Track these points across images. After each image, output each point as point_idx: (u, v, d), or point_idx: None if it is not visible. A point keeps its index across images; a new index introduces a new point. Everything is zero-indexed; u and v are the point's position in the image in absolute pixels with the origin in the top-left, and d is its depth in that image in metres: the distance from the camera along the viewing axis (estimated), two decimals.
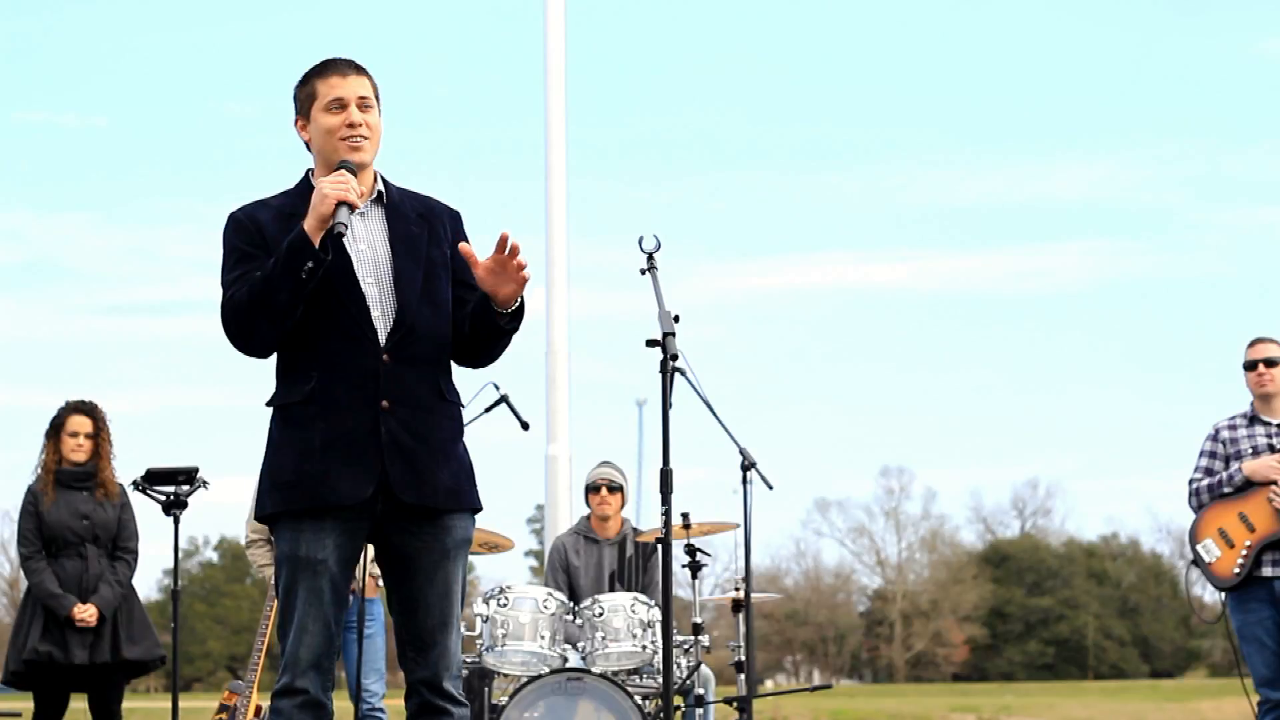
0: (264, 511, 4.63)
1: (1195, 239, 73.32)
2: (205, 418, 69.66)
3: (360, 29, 66.39)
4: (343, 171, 4.54)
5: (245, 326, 4.56)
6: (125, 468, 8.56)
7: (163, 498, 8.40)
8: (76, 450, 8.41)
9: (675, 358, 6.02)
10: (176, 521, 8.42)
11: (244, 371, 72.29)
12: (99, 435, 8.46)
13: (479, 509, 4.73)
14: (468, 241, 4.76)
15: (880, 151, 71.71)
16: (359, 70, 4.68)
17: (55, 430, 8.45)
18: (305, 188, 4.68)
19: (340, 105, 4.62)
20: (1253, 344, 7.86)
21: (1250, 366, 7.82)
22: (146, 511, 8.55)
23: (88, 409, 8.49)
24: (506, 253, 4.54)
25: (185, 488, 8.42)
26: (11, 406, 65.48)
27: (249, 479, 8.65)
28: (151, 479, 8.39)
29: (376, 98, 4.69)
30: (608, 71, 64.45)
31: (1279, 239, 70.50)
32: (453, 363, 4.78)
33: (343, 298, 4.57)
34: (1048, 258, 72.52)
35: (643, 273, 6.36)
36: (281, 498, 4.58)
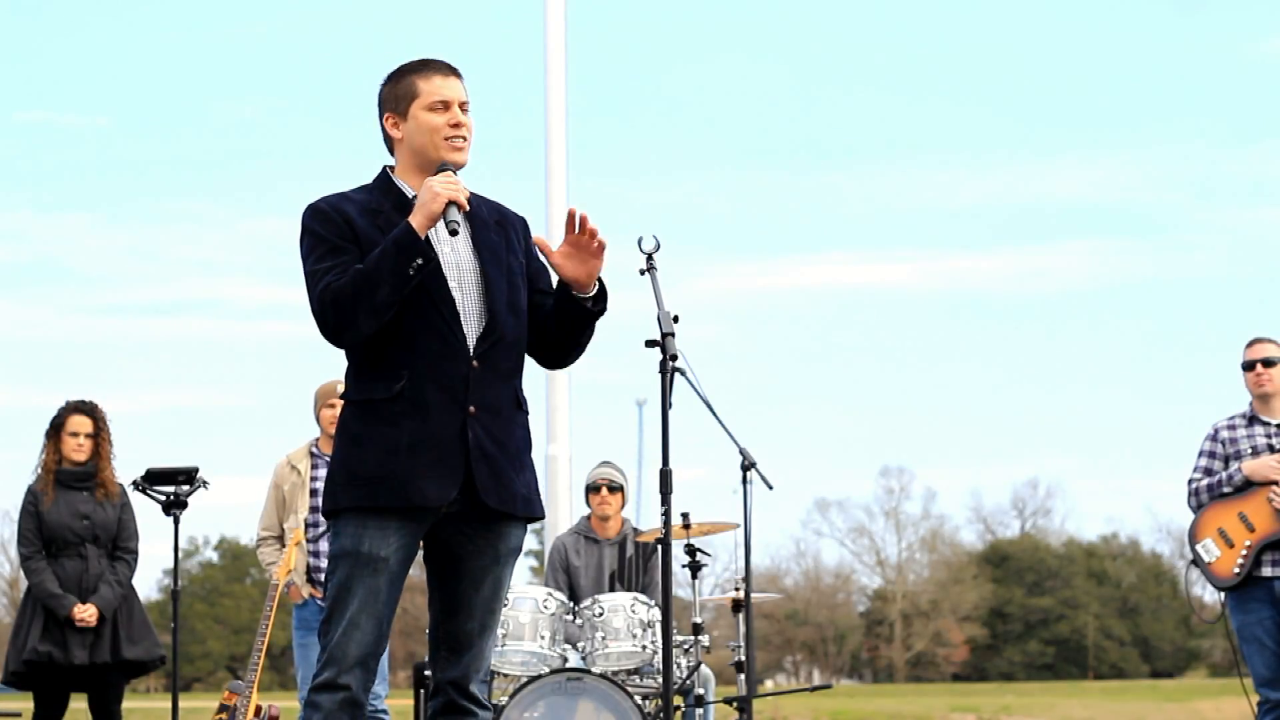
0: (338, 504, 4.58)
1: (1195, 239, 73.37)
2: (205, 418, 69.69)
3: (360, 29, 66.46)
4: (450, 171, 4.58)
5: (345, 318, 4.53)
6: (125, 468, 8.57)
7: (163, 498, 8.41)
8: (77, 450, 8.41)
9: (675, 358, 6.02)
10: (176, 521, 8.43)
11: (244, 372, 72.22)
12: (99, 435, 8.46)
13: (542, 516, 4.80)
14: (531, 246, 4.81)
15: (880, 152, 71.73)
16: (457, 73, 4.72)
17: (55, 430, 8.46)
18: (386, 184, 4.69)
19: (445, 105, 4.65)
20: (1251, 344, 7.86)
21: (1249, 367, 7.82)
22: (146, 511, 8.56)
23: (88, 409, 8.49)
24: (578, 230, 4.59)
25: (185, 488, 8.42)
26: (12, 406, 65.50)
27: (249, 479, 8.71)
28: (151, 479, 8.40)
29: (469, 100, 4.73)
30: (608, 71, 64.49)
31: (1279, 239, 70.52)
32: (540, 366, 4.86)
33: (435, 300, 4.58)
34: (1048, 258, 72.56)
35: (642, 273, 6.35)
36: (362, 494, 4.56)
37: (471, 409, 4.57)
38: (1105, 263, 72.02)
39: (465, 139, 4.67)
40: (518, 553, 4.74)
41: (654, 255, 6.35)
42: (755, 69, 70.65)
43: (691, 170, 71.51)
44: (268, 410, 68.11)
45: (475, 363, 4.58)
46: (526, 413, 4.75)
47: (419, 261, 4.48)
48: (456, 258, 4.64)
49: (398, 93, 4.68)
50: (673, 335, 6.04)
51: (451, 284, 4.61)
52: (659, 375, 6.01)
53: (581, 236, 4.60)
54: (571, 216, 4.60)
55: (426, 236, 4.50)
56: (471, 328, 4.61)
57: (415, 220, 4.49)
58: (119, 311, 72.21)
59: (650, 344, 6.04)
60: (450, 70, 4.70)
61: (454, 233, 4.50)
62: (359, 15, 67.70)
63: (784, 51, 70.29)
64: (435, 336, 4.57)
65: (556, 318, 4.72)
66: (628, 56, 69.15)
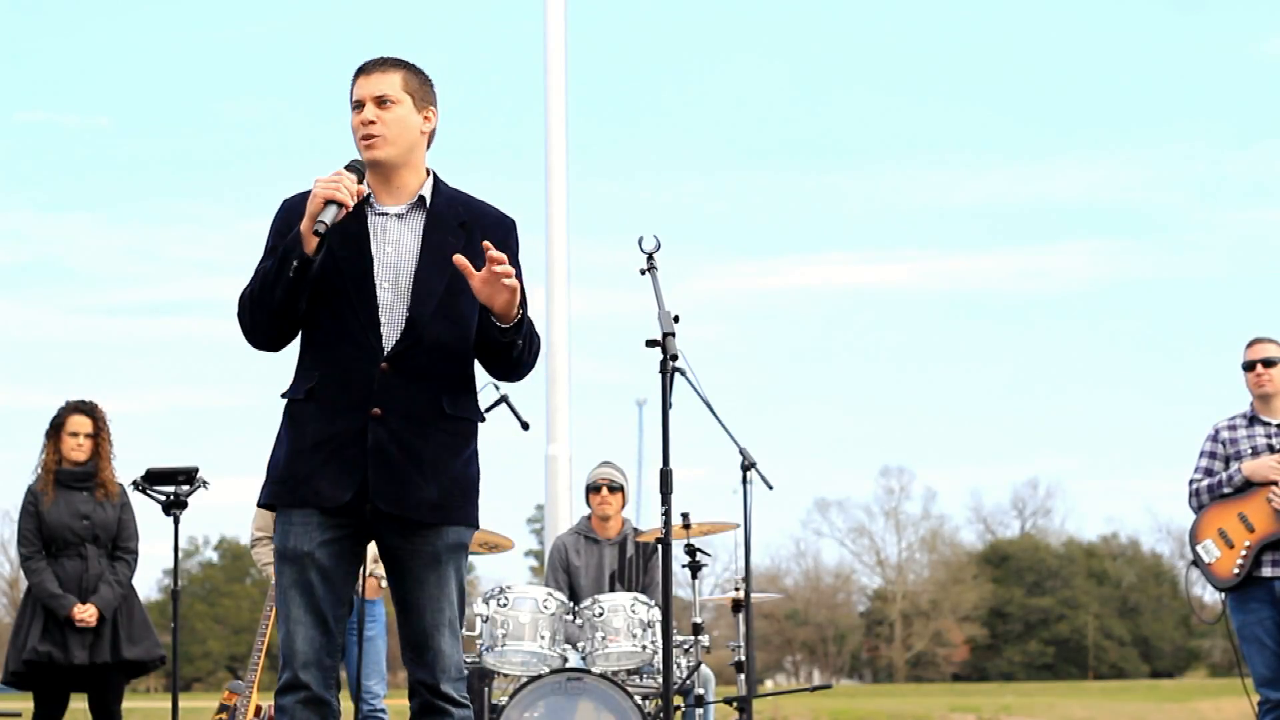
0: (259, 502, 4.66)
1: (1195, 239, 73.37)
2: (205, 418, 69.70)
3: (361, 29, 66.39)
4: (341, 170, 4.52)
5: (246, 320, 4.59)
6: (125, 468, 8.57)
7: (163, 498, 8.40)
8: (76, 450, 8.41)
9: (675, 358, 6.02)
10: (176, 521, 8.42)
11: (244, 372, 72.20)
12: (99, 435, 8.46)
13: (471, 525, 4.67)
14: (517, 253, 4.68)
15: (880, 152, 71.75)
16: (385, 66, 4.62)
17: (55, 430, 8.46)
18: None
19: (359, 105, 4.60)
20: (1251, 344, 7.86)
21: (1249, 367, 7.82)
22: (146, 511, 8.56)
23: (87, 409, 8.48)
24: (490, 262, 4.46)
25: (185, 488, 8.42)
26: (13, 406, 65.49)
27: (249, 479, 8.66)
28: (151, 479, 8.40)
29: (414, 93, 4.62)
30: (608, 71, 64.48)
31: (1279, 240, 70.50)
32: (486, 376, 4.75)
33: (354, 301, 4.54)
34: (1048, 258, 72.56)
35: (643, 273, 6.36)
36: (270, 492, 4.62)
37: (376, 411, 4.51)
38: (1105, 263, 72.06)
39: (377, 135, 4.57)
40: (460, 549, 4.63)
41: (654, 255, 6.36)
42: (755, 69, 70.68)
43: (692, 170, 71.54)
44: (268, 410, 67.56)
45: (385, 365, 4.52)
46: (460, 419, 4.63)
47: (295, 263, 4.45)
48: (398, 258, 4.59)
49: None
50: (673, 335, 6.04)
51: (385, 285, 4.56)
52: (659, 375, 6.01)
53: (495, 272, 4.44)
54: (484, 249, 4.46)
55: (318, 236, 4.42)
56: (394, 330, 4.55)
57: (303, 223, 4.45)
58: (119, 311, 72.25)
59: (650, 344, 6.04)
60: (373, 66, 4.62)
61: (317, 233, 4.41)
62: (360, 16, 67.69)
63: (784, 52, 70.32)
64: (349, 339, 4.54)
65: (479, 335, 4.63)
66: (628, 56, 69.18)
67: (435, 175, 4.71)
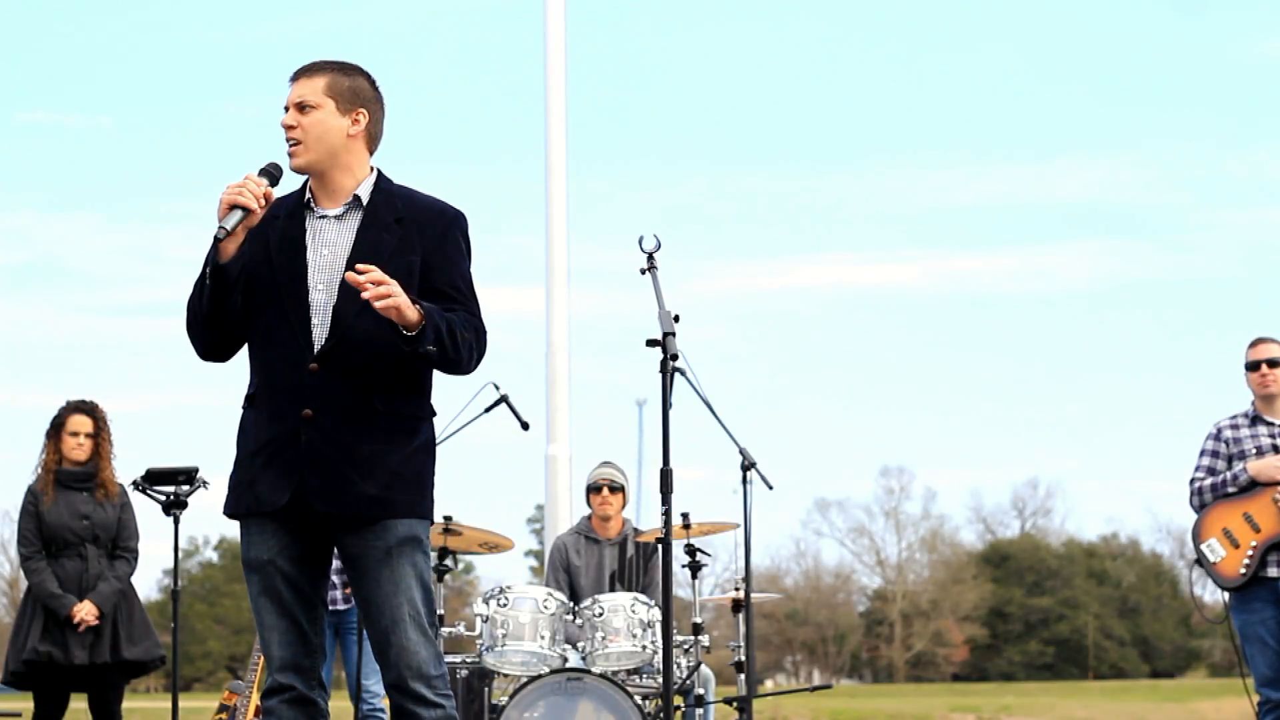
0: (223, 513, 4.69)
1: (1197, 240, 73.36)
2: (205, 418, 69.67)
3: (361, 29, 66.40)
4: (250, 174, 4.53)
5: (188, 332, 4.64)
6: (125, 468, 8.56)
7: (163, 498, 8.40)
8: (76, 450, 8.40)
9: (675, 358, 6.02)
10: (176, 521, 8.41)
11: (244, 372, 72.09)
12: (99, 435, 8.45)
13: (418, 516, 4.59)
14: (459, 245, 4.65)
15: (881, 152, 71.73)
16: (310, 71, 4.61)
17: (55, 430, 8.45)
18: (300, 192, 4.69)
19: (285, 110, 4.61)
20: (1254, 344, 7.84)
21: (1253, 367, 7.80)
22: (146, 511, 8.55)
23: (88, 409, 8.48)
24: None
25: (185, 488, 8.41)
26: (14, 407, 65.46)
27: None
28: (151, 479, 8.39)
29: (338, 96, 4.59)
30: (608, 71, 64.45)
31: None
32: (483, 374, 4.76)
33: (285, 304, 4.55)
34: (1049, 258, 72.55)
35: (643, 273, 6.35)
36: (226, 501, 4.66)
37: (308, 412, 4.51)
38: (1106, 263, 72.05)
39: (297, 141, 4.57)
40: (412, 542, 4.56)
41: (654, 255, 6.35)
42: (756, 69, 70.66)
43: (692, 170, 71.53)
44: None
45: (314, 365, 4.51)
46: (399, 414, 4.57)
47: (208, 269, 4.49)
48: (333, 260, 4.58)
49: None
50: (673, 335, 6.04)
51: (317, 288, 4.56)
52: (659, 375, 6.01)
53: (363, 293, 4.40)
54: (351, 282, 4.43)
55: (216, 241, 4.44)
56: (321, 330, 4.54)
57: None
58: (121, 311, 72.25)
59: (651, 344, 6.04)
60: (299, 72, 4.63)
61: (218, 238, 4.44)
62: (361, 16, 67.70)
63: (785, 51, 70.31)
64: (280, 342, 4.55)
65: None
66: (628, 56, 69.15)
67: (379, 174, 4.70)
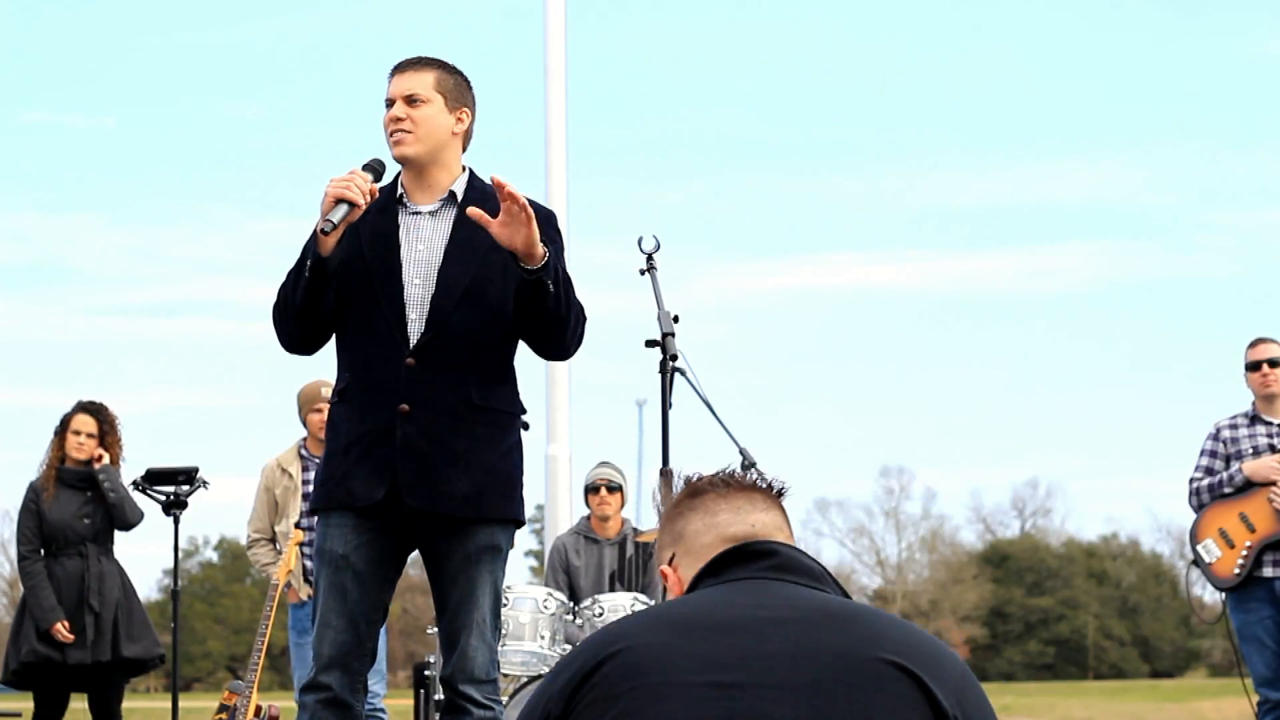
0: (311, 506, 4.71)
1: (1197, 240, 73.35)
2: (206, 418, 69.69)
3: (364, 30, 66.44)
4: (355, 169, 4.53)
5: (275, 323, 4.63)
6: (125, 468, 8.57)
7: (163, 498, 8.41)
8: (77, 449, 8.41)
9: (675, 358, 6.02)
10: (176, 521, 8.43)
11: (245, 372, 72.22)
12: (105, 436, 8.45)
13: (510, 519, 4.61)
14: (555, 241, 4.60)
15: (882, 152, 71.72)
16: (419, 65, 4.63)
17: (62, 428, 8.48)
18: (393, 183, 4.69)
19: (389, 103, 4.62)
20: (1254, 344, 7.85)
21: (1254, 367, 7.81)
22: (147, 512, 8.56)
23: (93, 409, 8.50)
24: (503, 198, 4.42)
25: (185, 488, 8.43)
26: (16, 407, 65.49)
27: (249, 479, 8.67)
28: (151, 479, 8.40)
29: (446, 93, 4.61)
30: (608, 71, 64.47)
31: None
32: (540, 358, 4.71)
33: (380, 299, 4.54)
34: (1050, 259, 72.54)
35: (642, 273, 6.35)
36: (315, 495, 4.66)
37: (404, 407, 4.50)
38: (1107, 264, 72.05)
39: (407, 132, 4.58)
40: (494, 550, 4.59)
41: (654, 255, 6.35)
42: (756, 68, 70.68)
43: (692, 170, 71.51)
44: (269, 410, 68.17)
45: (411, 360, 4.51)
46: (496, 411, 4.60)
47: (309, 263, 4.48)
48: (429, 255, 4.59)
49: None
50: (673, 335, 6.04)
51: (414, 283, 4.56)
52: (659, 375, 6.01)
53: (511, 205, 4.41)
54: (496, 186, 4.43)
55: (321, 234, 4.43)
56: (421, 324, 4.54)
57: (319, 222, 4.46)
58: (123, 312, 72.24)
59: (650, 344, 6.04)
60: (407, 65, 4.64)
61: (323, 231, 4.42)
62: (363, 16, 67.72)
63: (786, 51, 70.31)
64: (375, 336, 4.55)
65: (517, 296, 4.55)
66: (628, 56, 69.17)
67: (471, 172, 4.72)
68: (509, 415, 4.65)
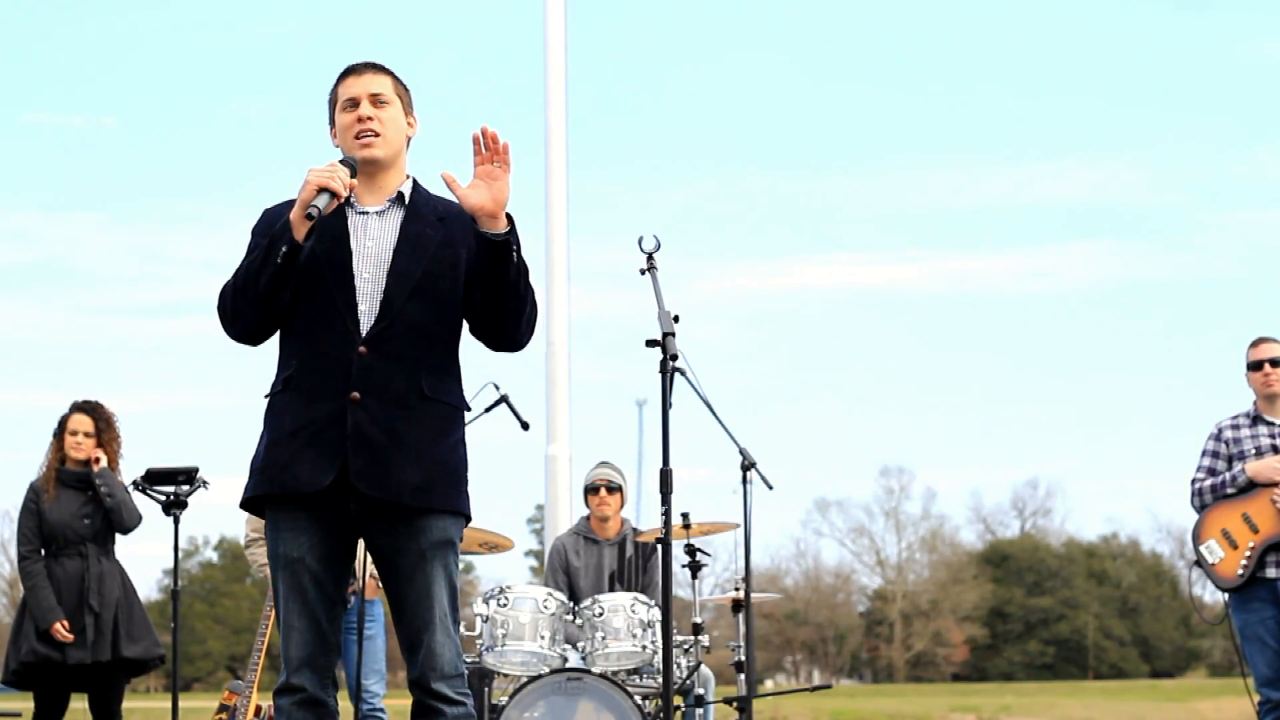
0: (243, 497, 4.65)
1: (1199, 240, 73.37)
2: (206, 418, 69.71)
3: (366, 31, 66.39)
4: (335, 162, 4.56)
5: (229, 310, 4.62)
6: (126, 467, 8.57)
7: (163, 498, 8.40)
8: (75, 449, 8.41)
9: (675, 358, 6.02)
10: (176, 521, 8.42)
11: (245, 372, 72.26)
12: (102, 435, 8.45)
13: (458, 512, 4.62)
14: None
15: (882, 153, 71.74)
16: (376, 69, 4.69)
17: (60, 429, 8.47)
18: None
19: (353, 103, 4.64)
20: (1256, 344, 7.84)
21: (1256, 366, 7.80)
22: (147, 512, 8.55)
23: (90, 408, 8.49)
24: (485, 148, 4.48)
25: (185, 488, 8.42)
26: (18, 407, 65.49)
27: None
28: (151, 479, 8.39)
29: (401, 97, 4.69)
30: (608, 71, 64.45)
31: None
32: (491, 349, 4.71)
33: (331, 289, 4.56)
34: (1051, 259, 72.56)
35: (642, 273, 6.36)
36: (252, 483, 4.62)
37: (355, 395, 4.50)
38: (1108, 264, 72.08)
39: (374, 133, 4.62)
40: (447, 545, 4.59)
41: (654, 255, 6.35)
42: (757, 68, 70.68)
43: (692, 170, 71.54)
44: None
45: (363, 349, 4.52)
46: (443, 403, 4.61)
47: (284, 249, 4.48)
48: (379, 250, 4.61)
49: (330, 104, 4.74)
50: (673, 335, 6.04)
51: (364, 275, 4.57)
52: (659, 375, 6.01)
53: (491, 156, 4.47)
54: (478, 138, 4.48)
55: (310, 219, 4.45)
56: (372, 315, 4.56)
57: (293, 211, 4.49)
58: (124, 312, 72.28)
59: (650, 344, 6.04)
60: (363, 68, 4.68)
61: (310, 218, 4.44)
62: (364, 16, 67.69)
63: (787, 51, 70.31)
64: (326, 325, 4.55)
65: (478, 271, 4.58)
66: (629, 56, 69.17)
67: (415, 180, 4.76)
68: (456, 409, 4.66)
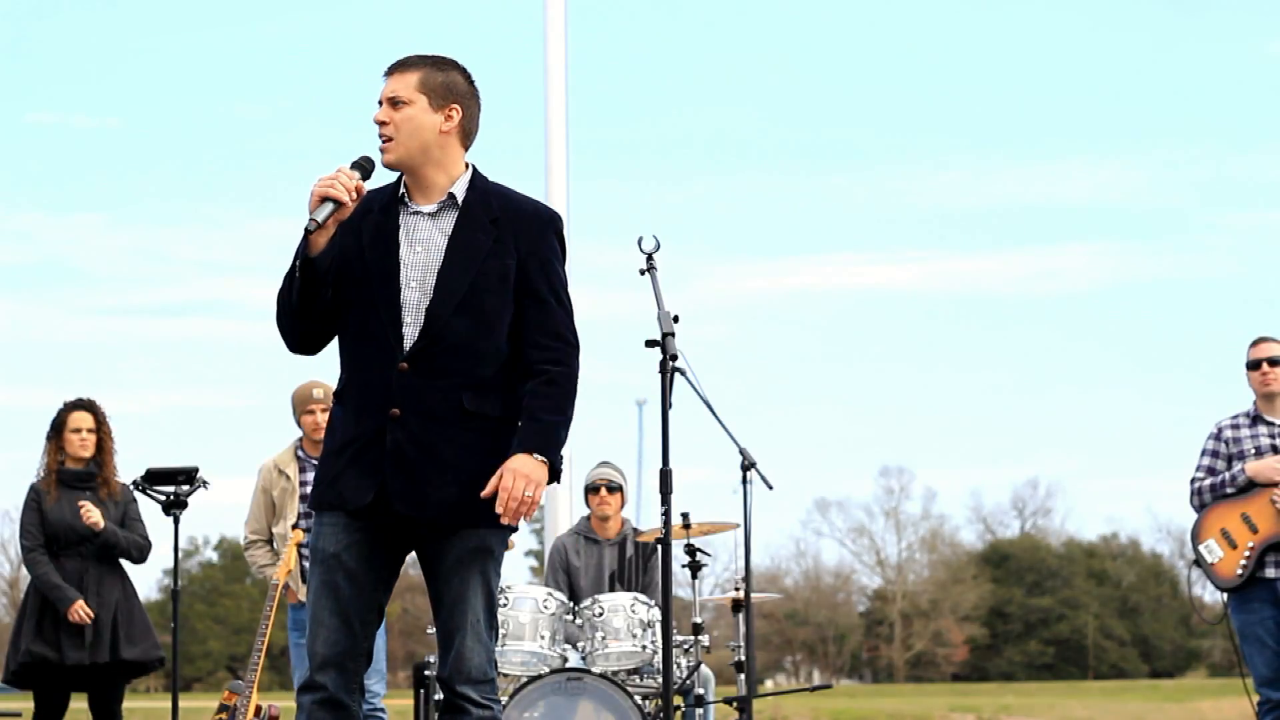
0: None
1: (1200, 241, 73.33)
2: (206, 418, 69.68)
3: (367, 31, 66.40)
4: (343, 166, 4.53)
5: (277, 323, 4.63)
6: (126, 468, 8.59)
7: (163, 498, 8.41)
8: (81, 446, 8.41)
9: (675, 358, 6.02)
10: (176, 521, 8.43)
11: (245, 372, 72.18)
12: (101, 432, 8.46)
13: (496, 524, 4.53)
14: (555, 249, 4.63)
15: (883, 153, 71.72)
16: (404, 66, 4.61)
17: (57, 430, 8.46)
18: (396, 182, 4.67)
19: (378, 106, 4.61)
20: (1255, 343, 7.84)
21: (1254, 366, 7.80)
22: (147, 512, 8.56)
23: (88, 405, 8.51)
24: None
25: (185, 488, 8.42)
26: (19, 407, 65.44)
27: (249, 479, 8.67)
28: (151, 479, 8.40)
29: (431, 91, 4.57)
30: (608, 71, 64.43)
31: None
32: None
33: (377, 301, 4.53)
34: (1052, 259, 72.52)
35: (642, 273, 6.36)
36: (311, 496, 4.69)
37: (395, 412, 4.49)
38: (1108, 264, 72.06)
39: (388, 138, 4.56)
40: (485, 552, 4.57)
41: (654, 255, 6.36)
42: (757, 69, 70.67)
43: (692, 170, 71.50)
44: (269, 411, 68.21)
45: (404, 365, 4.50)
46: (486, 417, 4.55)
47: (298, 262, 4.48)
48: (426, 258, 4.56)
49: None
50: (673, 335, 6.05)
51: (410, 285, 4.54)
52: (659, 375, 6.01)
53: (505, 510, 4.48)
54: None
55: (306, 234, 4.44)
56: (412, 329, 4.52)
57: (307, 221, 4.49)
58: (125, 312, 72.28)
59: (650, 344, 6.04)
60: (393, 67, 4.63)
61: (308, 230, 4.43)
62: (366, 17, 67.70)
63: (787, 51, 70.30)
64: (371, 339, 4.54)
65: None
66: (628, 56, 69.16)
67: (474, 170, 4.68)
68: (498, 421, 4.60)
